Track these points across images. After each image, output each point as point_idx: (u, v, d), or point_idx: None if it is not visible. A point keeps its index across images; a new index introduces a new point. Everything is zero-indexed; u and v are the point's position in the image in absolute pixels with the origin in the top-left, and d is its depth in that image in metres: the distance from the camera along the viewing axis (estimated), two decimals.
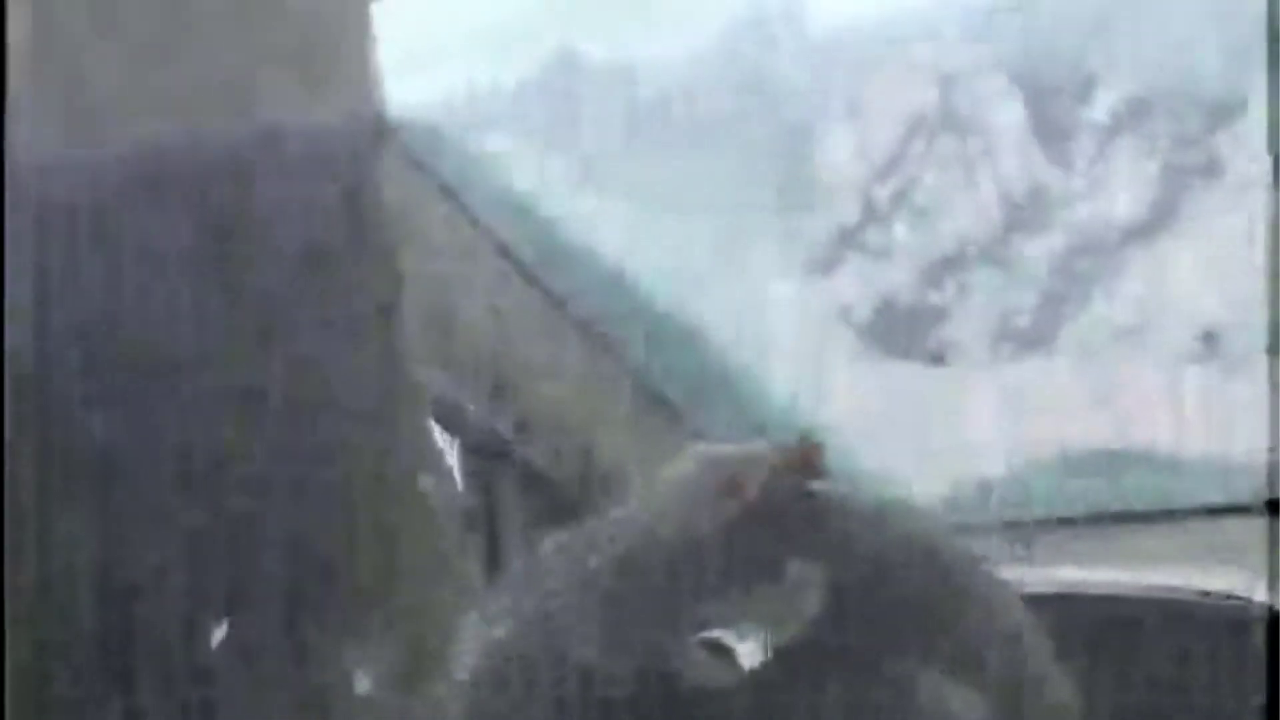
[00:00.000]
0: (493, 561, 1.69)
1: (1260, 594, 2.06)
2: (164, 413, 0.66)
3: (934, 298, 4.57)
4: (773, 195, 4.37)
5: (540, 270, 1.54)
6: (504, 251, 1.52)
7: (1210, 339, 4.24)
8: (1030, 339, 4.43)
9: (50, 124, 0.66)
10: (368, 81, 0.71)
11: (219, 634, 0.70)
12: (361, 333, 0.70)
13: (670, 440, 1.62)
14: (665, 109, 3.89)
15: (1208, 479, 3.69)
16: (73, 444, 0.65)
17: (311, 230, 0.67)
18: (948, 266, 4.58)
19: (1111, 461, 3.77)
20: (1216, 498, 3.31)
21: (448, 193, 1.49)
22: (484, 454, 1.66)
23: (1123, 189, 4.54)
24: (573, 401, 1.62)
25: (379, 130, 0.71)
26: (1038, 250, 4.54)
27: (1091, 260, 4.51)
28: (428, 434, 0.75)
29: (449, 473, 0.72)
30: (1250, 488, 3.06)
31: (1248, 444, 3.28)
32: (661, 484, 1.16)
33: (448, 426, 1.61)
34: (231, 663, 0.71)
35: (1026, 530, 2.83)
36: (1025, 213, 4.57)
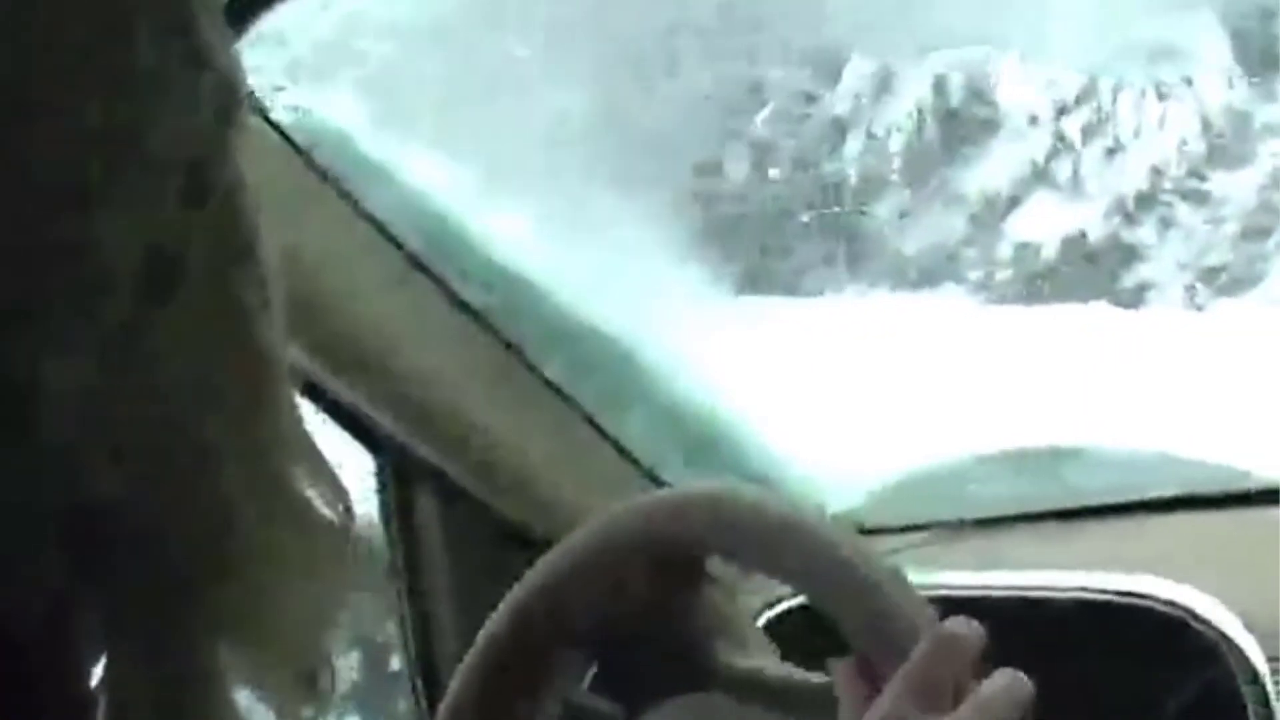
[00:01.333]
0: (412, 576, 1.63)
1: None
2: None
3: (1127, 235, 4.34)
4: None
5: (448, 270, 1.50)
6: (403, 249, 1.48)
7: None
8: (1231, 279, 4.19)
9: None
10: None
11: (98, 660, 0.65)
12: (225, 329, 0.64)
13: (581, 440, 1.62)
14: None
15: None
16: None
17: (157, 227, 0.61)
18: (1142, 202, 4.34)
19: None
20: None
21: (347, 194, 1.45)
22: (399, 467, 1.61)
23: None
24: (482, 408, 1.58)
25: (229, 107, 0.62)
26: (1239, 185, 4.30)
27: None
28: (306, 439, 0.68)
29: (335, 482, 0.61)
30: None
31: None
32: None
33: (362, 440, 1.61)
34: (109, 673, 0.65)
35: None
36: (1227, 145, 4.33)
